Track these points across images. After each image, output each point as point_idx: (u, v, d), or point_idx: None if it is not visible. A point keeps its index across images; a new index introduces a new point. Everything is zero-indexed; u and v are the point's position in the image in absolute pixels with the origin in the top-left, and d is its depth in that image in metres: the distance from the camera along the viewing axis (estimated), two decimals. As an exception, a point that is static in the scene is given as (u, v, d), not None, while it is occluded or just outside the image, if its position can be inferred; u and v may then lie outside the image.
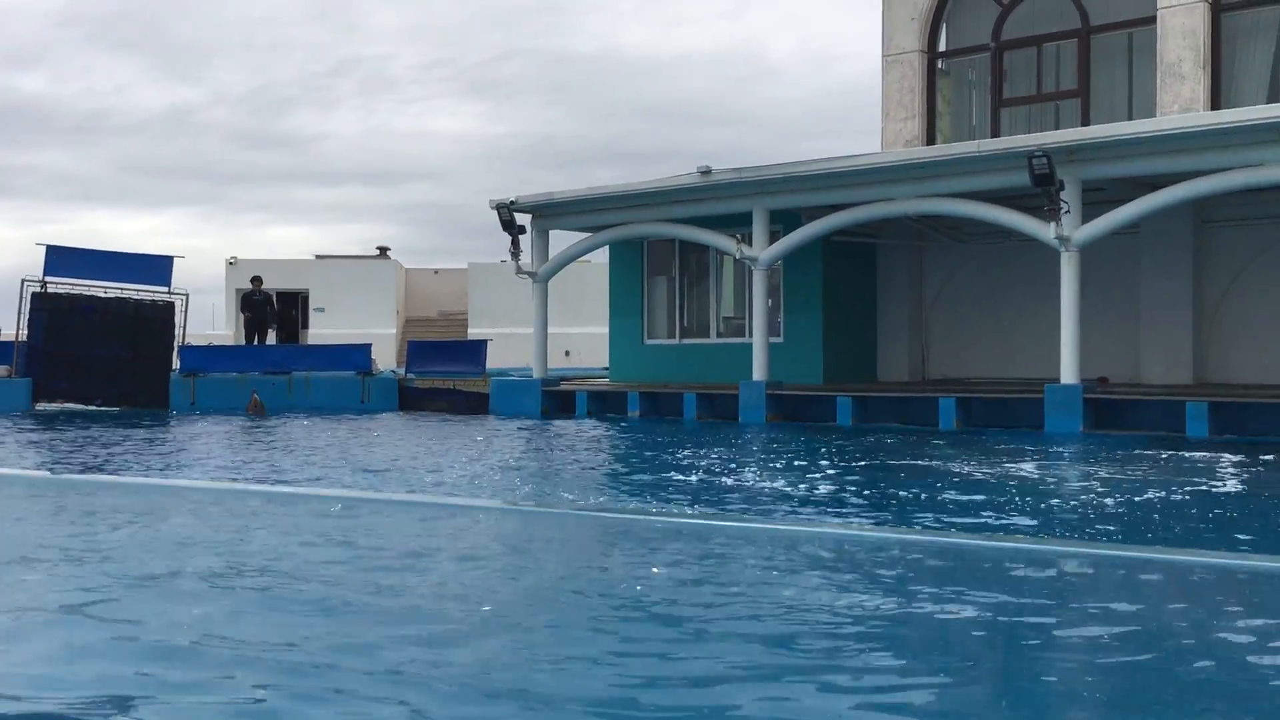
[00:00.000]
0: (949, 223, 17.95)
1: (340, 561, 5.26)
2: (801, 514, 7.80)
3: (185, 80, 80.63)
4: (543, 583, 4.89)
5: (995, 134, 18.17)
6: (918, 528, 6.97)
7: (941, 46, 19.67)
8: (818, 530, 6.25)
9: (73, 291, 21.73)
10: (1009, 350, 18.37)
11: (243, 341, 25.42)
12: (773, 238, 17.40)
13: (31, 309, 21.34)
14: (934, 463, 10.86)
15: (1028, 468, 10.41)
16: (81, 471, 10.55)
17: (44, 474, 9.87)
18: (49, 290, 21.50)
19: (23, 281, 21.43)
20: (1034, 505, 8.07)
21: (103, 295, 21.79)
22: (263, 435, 15.44)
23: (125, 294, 21.96)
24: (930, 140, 19.33)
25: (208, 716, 3.15)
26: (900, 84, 19.59)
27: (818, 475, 9.92)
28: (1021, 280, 18.03)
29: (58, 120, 76.41)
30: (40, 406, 20.91)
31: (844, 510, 8.01)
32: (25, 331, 21.35)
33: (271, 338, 25.70)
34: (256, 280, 25.70)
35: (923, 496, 8.51)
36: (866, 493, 8.94)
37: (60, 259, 21.84)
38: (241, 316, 26.14)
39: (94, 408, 20.86)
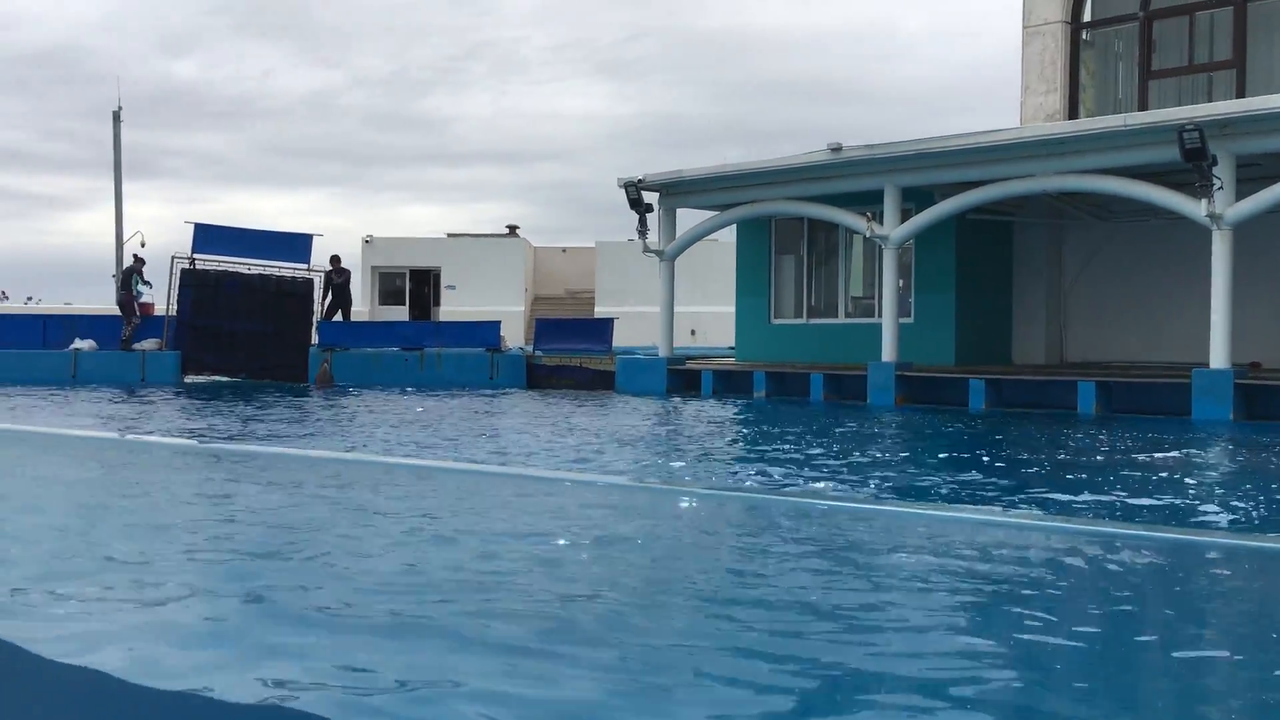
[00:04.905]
0: (1091, 200, 17.30)
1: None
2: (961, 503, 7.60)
3: (326, 64, 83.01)
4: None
5: (1143, 107, 17.42)
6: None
7: (1086, 17, 18.93)
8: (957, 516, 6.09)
9: (219, 268, 22.57)
10: (1153, 333, 17.65)
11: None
12: (904, 216, 17.02)
13: (180, 285, 22.25)
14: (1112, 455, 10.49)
15: (1197, 459, 9.97)
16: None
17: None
18: (197, 267, 22.38)
19: (173, 258, 22.36)
20: (1223, 499, 7.71)
21: (246, 272, 22.57)
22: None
23: (267, 271, 22.71)
24: (1072, 114, 18.64)
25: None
26: (1041, 56, 18.93)
27: (964, 461, 9.66)
28: (1168, 260, 17.28)
29: (208, 104, 79.52)
30: (189, 379, 21.79)
31: (992, 499, 7.79)
32: (174, 306, 22.29)
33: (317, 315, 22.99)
34: (335, 260, 23.79)
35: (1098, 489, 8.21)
36: (1010, 481, 8.68)
37: (207, 237, 22.70)
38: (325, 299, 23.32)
39: (240, 379, 21.68)
